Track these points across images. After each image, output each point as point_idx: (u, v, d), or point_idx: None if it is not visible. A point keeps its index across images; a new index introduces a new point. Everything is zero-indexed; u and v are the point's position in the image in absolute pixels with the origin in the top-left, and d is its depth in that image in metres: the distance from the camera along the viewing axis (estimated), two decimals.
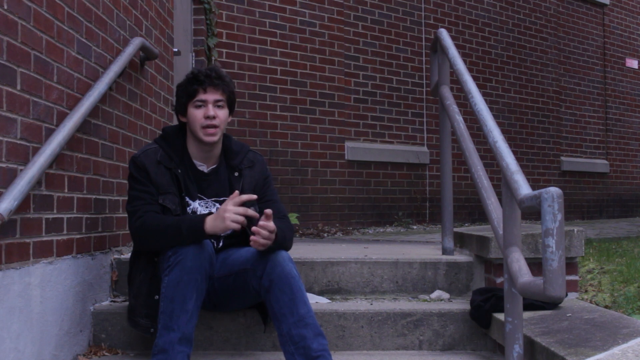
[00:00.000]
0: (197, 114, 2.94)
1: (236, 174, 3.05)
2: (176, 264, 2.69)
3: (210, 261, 2.75)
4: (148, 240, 2.84)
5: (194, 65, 5.92)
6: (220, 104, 2.97)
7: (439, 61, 4.00)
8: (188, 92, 2.95)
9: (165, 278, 2.72)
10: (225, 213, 2.73)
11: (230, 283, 2.93)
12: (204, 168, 3.03)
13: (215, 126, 2.94)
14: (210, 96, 2.95)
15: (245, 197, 2.77)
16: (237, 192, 2.80)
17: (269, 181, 3.13)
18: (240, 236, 3.00)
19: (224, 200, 3.01)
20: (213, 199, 3.02)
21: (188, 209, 2.97)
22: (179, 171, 2.96)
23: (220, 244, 3.04)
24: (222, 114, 2.97)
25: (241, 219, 2.73)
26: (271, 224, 2.74)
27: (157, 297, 2.83)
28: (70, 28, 2.95)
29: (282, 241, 2.86)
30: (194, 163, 3.02)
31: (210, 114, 2.93)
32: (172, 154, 2.98)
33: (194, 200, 2.99)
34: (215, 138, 2.96)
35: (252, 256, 2.86)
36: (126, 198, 3.01)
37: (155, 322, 2.82)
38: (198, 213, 2.97)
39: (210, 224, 2.75)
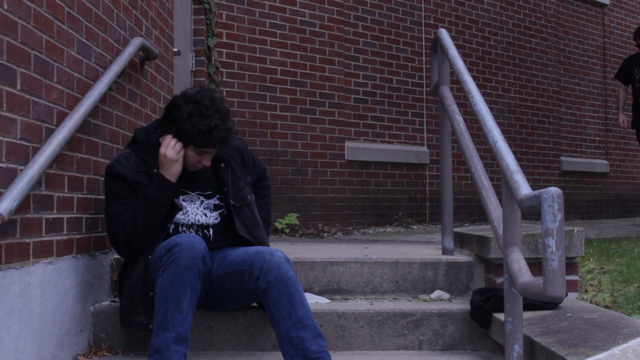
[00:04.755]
0: (193, 157, 2.98)
1: (222, 165, 3.09)
2: (169, 264, 2.69)
3: (204, 259, 2.75)
4: (127, 234, 2.91)
5: (193, 66, 5.92)
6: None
7: (439, 61, 4.00)
8: (197, 142, 2.92)
9: (159, 278, 2.72)
10: (162, 156, 2.92)
11: (227, 283, 2.93)
12: None
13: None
14: (214, 150, 2.99)
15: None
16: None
17: (257, 164, 3.27)
18: (232, 229, 3.05)
19: (209, 194, 3.06)
20: (197, 192, 3.04)
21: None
22: (155, 171, 2.97)
23: (211, 231, 3.05)
24: (214, 153, 3.03)
25: (171, 148, 2.91)
26: None
27: (152, 293, 2.84)
28: (70, 28, 2.95)
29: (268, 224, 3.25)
30: None
31: (207, 164, 3.00)
32: (145, 156, 2.99)
33: (177, 197, 3.01)
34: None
35: (249, 257, 2.87)
36: None
37: (153, 318, 2.83)
38: (184, 209, 3.02)
39: (164, 171, 2.93)
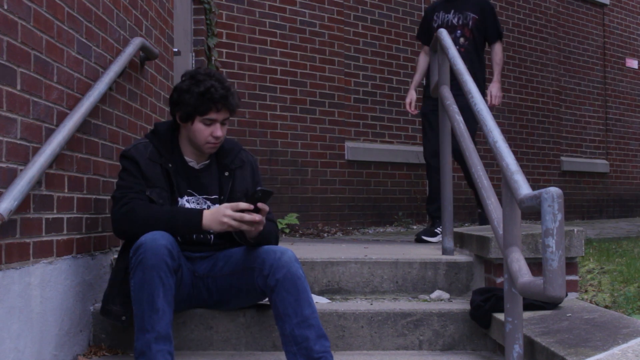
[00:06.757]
0: (204, 131, 2.95)
1: (226, 173, 3.07)
2: (137, 265, 2.69)
3: (170, 254, 2.70)
4: (132, 227, 2.83)
5: (194, 66, 5.91)
6: (226, 121, 2.99)
7: (439, 61, 4.00)
8: (200, 108, 2.91)
9: (132, 281, 2.72)
10: (224, 217, 2.79)
11: (234, 281, 2.93)
12: (194, 164, 3.05)
13: (218, 142, 2.98)
14: (221, 115, 2.95)
15: (244, 205, 2.79)
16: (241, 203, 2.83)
17: (259, 185, 3.13)
18: (231, 235, 3.03)
19: (215, 199, 3.04)
20: (204, 195, 3.03)
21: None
22: (170, 165, 2.97)
23: (211, 237, 3.04)
24: (225, 129, 3.00)
25: (236, 224, 2.79)
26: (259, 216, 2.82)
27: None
28: (70, 28, 2.96)
29: (268, 236, 2.94)
30: (185, 159, 3.03)
31: (219, 134, 2.95)
32: (162, 149, 2.99)
33: (182, 196, 3.00)
34: (215, 150, 3.02)
35: (259, 255, 2.87)
36: None
37: (128, 310, 2.83)
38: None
39: (207, 220, 2.82)
